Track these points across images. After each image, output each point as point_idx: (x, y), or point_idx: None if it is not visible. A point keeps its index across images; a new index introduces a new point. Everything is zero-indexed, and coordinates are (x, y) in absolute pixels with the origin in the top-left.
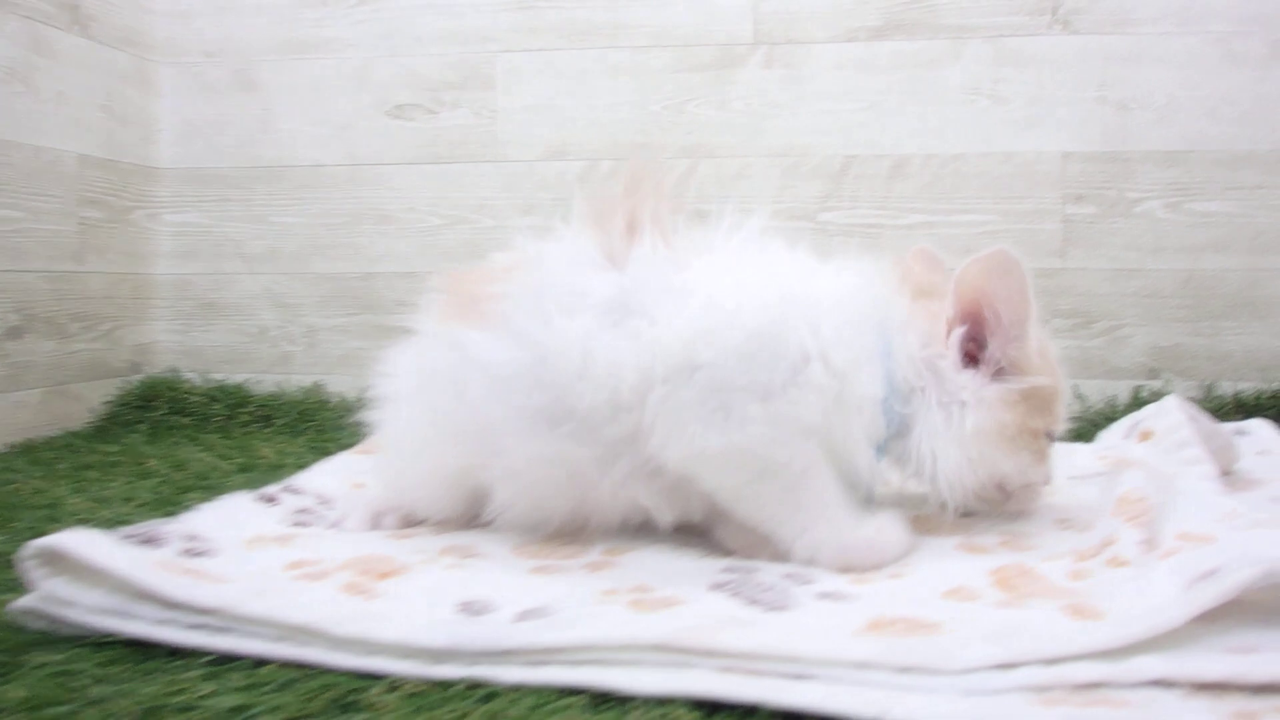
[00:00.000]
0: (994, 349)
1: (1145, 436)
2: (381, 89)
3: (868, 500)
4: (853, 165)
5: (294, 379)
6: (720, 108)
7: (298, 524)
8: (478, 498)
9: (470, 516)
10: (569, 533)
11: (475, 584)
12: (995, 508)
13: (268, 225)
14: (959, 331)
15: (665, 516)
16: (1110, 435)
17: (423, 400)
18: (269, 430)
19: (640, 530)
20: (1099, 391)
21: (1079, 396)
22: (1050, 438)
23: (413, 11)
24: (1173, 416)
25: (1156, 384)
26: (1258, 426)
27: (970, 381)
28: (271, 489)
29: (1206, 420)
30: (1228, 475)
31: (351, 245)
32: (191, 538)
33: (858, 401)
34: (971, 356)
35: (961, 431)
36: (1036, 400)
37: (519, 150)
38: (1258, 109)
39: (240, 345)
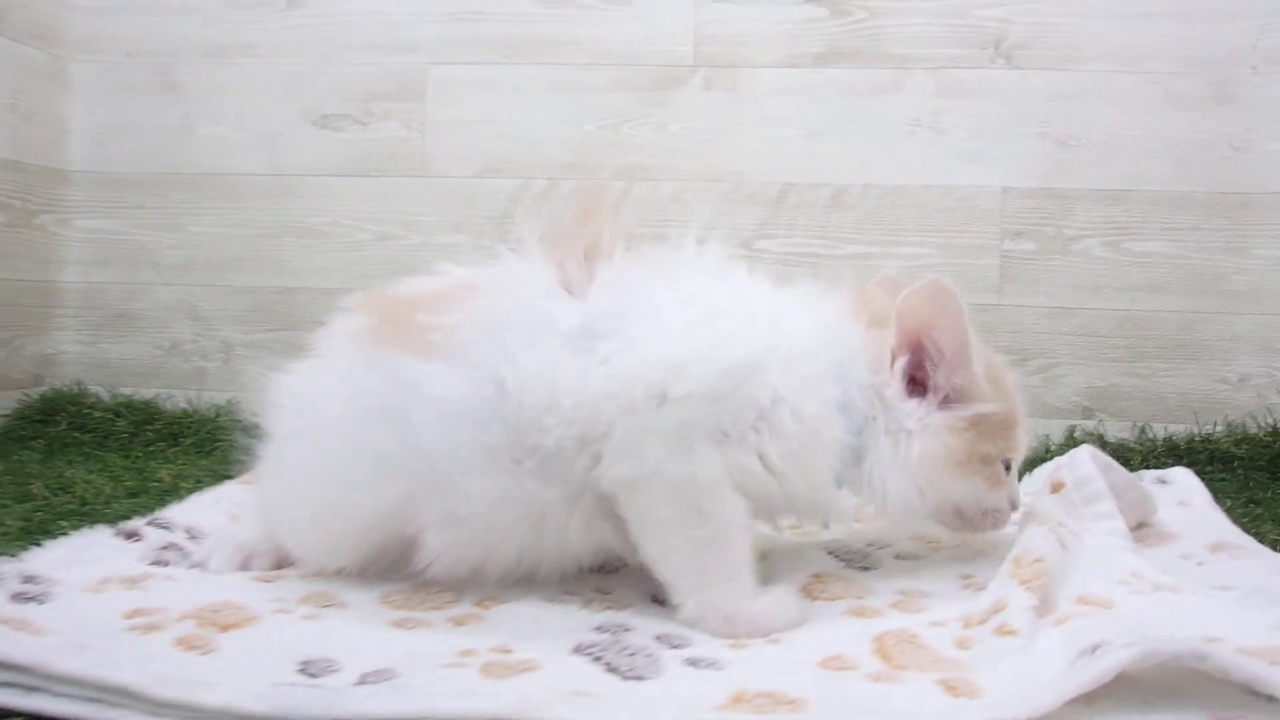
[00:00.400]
0: (938, 377)
1: (1056, 488)
2: (309, 97)
3: (824, 526)
4: (791, 193)
5: (206, 396)
6: (658, 129)
7: (157, 563)
8: (393, 545)
9: (374, 564)
10: (509, 581)
11: (326, 639)
12: (967, 532)
13: (184, 234)
14: (901, 361)
15: (634, 556)
16: (1033, 481)
17: (346, 434)
18: (175, 450)
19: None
20: (1033, 430)
21: None
22: (1007, 464)
23: (345, 18)
24: (1084, 469)
25: (1090, 424)
26: (1180, 476)
27: (916, 409)
28: (135, 523)
29: (1121, 472)
30: (1144, 528)
31: (272, 258)
32: (28, 579)
33: (823, 444)
34: (920, 384)
35: (908, 459)
36: (986, 427)
37: (450, 165)
38: (1196, 150)
39: (151, 359)
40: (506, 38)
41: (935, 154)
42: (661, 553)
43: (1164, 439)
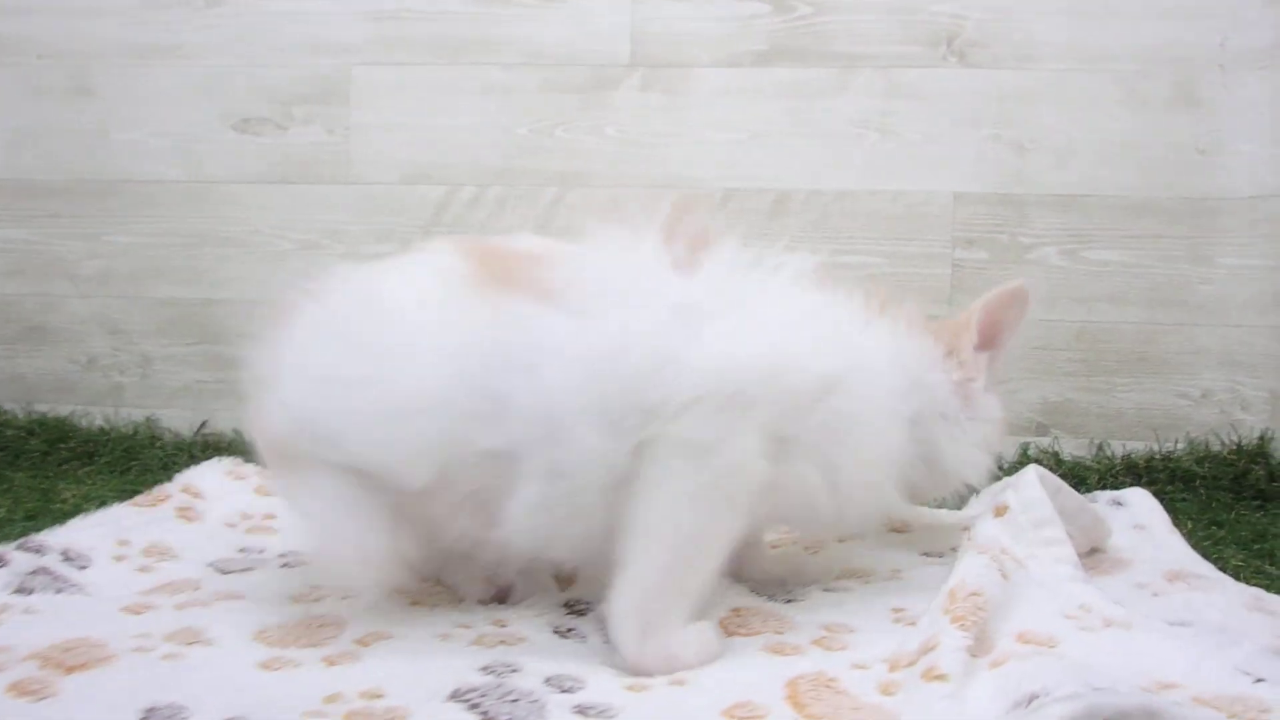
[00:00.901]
0: (996, 367)
1: (1000, 512)
2: (229, 100)
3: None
4: (732, 199)
5: (124, 413)
6: (593, 132)
7: (21, 590)
8: (469, 501)
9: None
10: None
11: (180, 682)
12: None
13: (101, 244)
14: (984, 356)
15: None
16: (979, 503)
17: (463, 368)
18: (87, 470)
19: (420, 609)
20: None
21: None
22: None
23: (266, 18)
24: (1031, 491)
25: (1046, 441)
26: (1136, 497)
27: (994, 399)
28: (3, 547)
29: (1072, 495)
30: (1097, 553)
31: (192, 269)
32: None
33: (891, 460)
34: None
35: (987, 438)
36: None
37: (375, 172)
38: (1160, 154)
39: (67, 374)
40: (433, 38)
41: (884, 157)
42: (641, 546)
43: (1122, 457)
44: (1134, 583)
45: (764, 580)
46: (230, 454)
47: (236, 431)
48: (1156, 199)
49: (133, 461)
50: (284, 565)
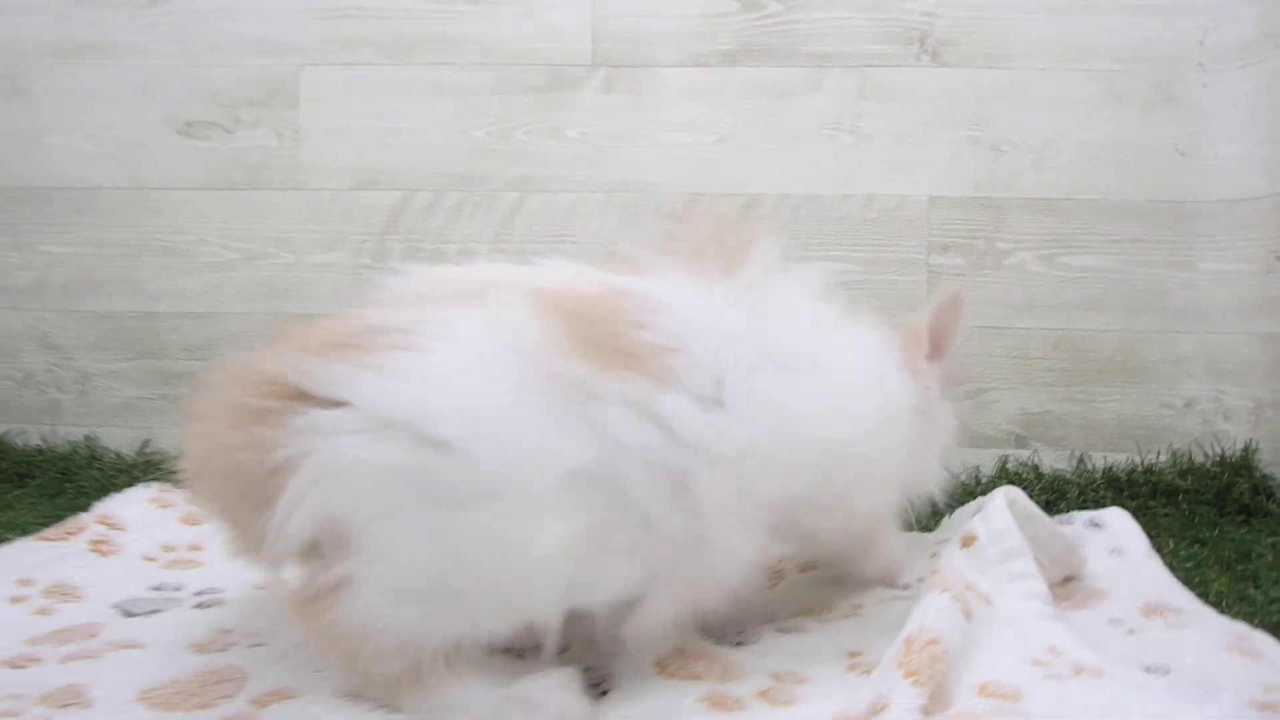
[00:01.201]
0: (947, 378)
1: (967, 542)
2: (171, 103)
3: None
4: (699, 204)
5: (62, 431)
6: (553, 135)
7: None
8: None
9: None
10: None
11: None
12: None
13: (34, 254)
14: (937, 367)
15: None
16: (953, 523)
17: (585, 498)
18: (19, 493)
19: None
20: (963, 461)
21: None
22: None
23: (209, 16)
24: (999, 520)
25: (1025, 453)
26: (1114, 518)
27: (947, 407)
28: None
29: (1044, 521)
30: (1072, 582)
31: (131, 280)
32: None
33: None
34: None
35: (941, 445)
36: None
37: (324, 177)
38: (1141, 156)
39: (1, 391)
40: (386, 36)
41: (856, 160)
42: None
43: (1103, 470)
44: (1109, 618)
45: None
46: (174, 471)
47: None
48: (1136, 202)
49: (67, 484)
50: (197, 605)
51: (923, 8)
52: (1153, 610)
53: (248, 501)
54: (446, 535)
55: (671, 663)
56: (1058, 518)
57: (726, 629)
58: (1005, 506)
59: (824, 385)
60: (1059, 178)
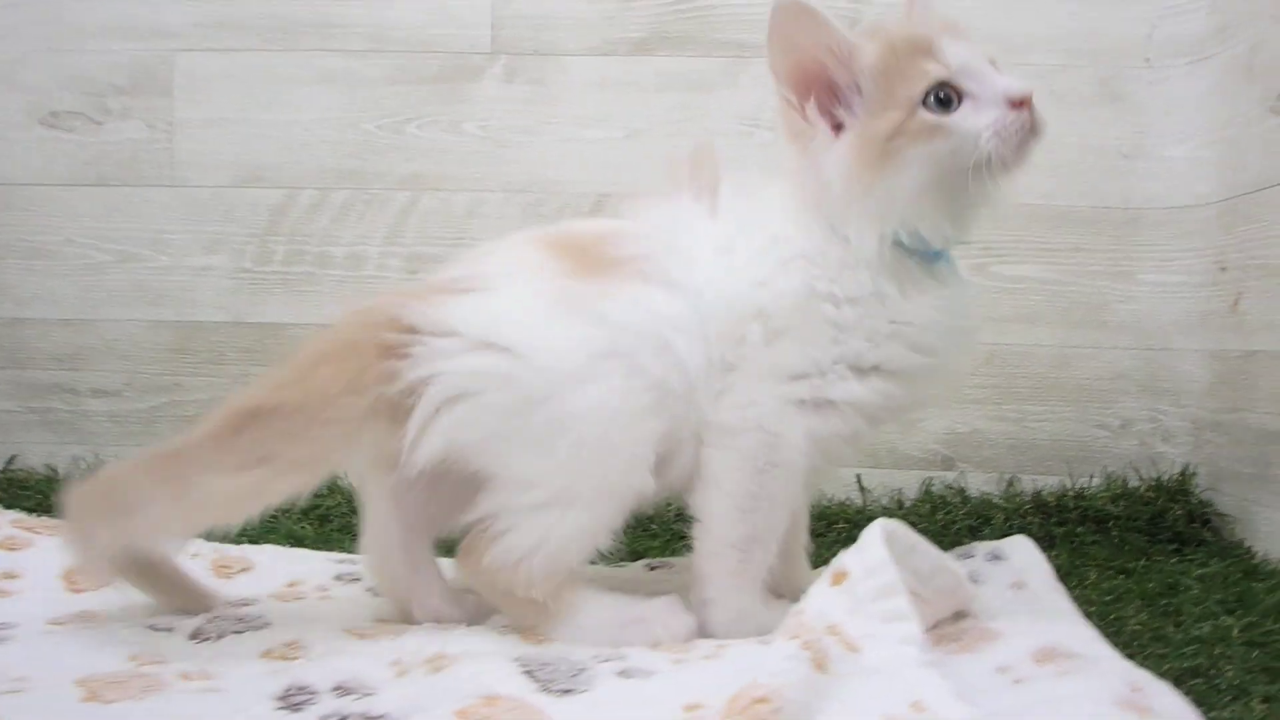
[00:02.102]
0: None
1: (839, 579)
2: (34, 91)
3: None
4: (606, 205)
5: None
6: (450, 129)
7: None
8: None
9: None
10: None
11: None
12: None
13: None
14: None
15: None
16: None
17: (616, 367)
18: None
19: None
20: (885, 483)
21: (862, 490)
22: (939, 97)
23: None
24: (874, 554)
25: (951, 475)
26: (1017, 548)
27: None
28: None
29: (927, 554)
30: (964, 619)
31: None
32: None
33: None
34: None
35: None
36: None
37: (202, 174)
38: (1081, 158)
39: None
40: (267, 20)
41: (776, 159)
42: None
43: (1032, 495)
44: (997, 664)
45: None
46: (41, 491)
47: (50, 468)
48: (1075, 208)
49: None
50: None
51: None
52: (1045, 656)
53: (382, 421)
54: (543, 432)
55: (478, 709)
56: (957, 550)
57: (560, 670)
58: (882, 540)
59: (741, 260)
60: None
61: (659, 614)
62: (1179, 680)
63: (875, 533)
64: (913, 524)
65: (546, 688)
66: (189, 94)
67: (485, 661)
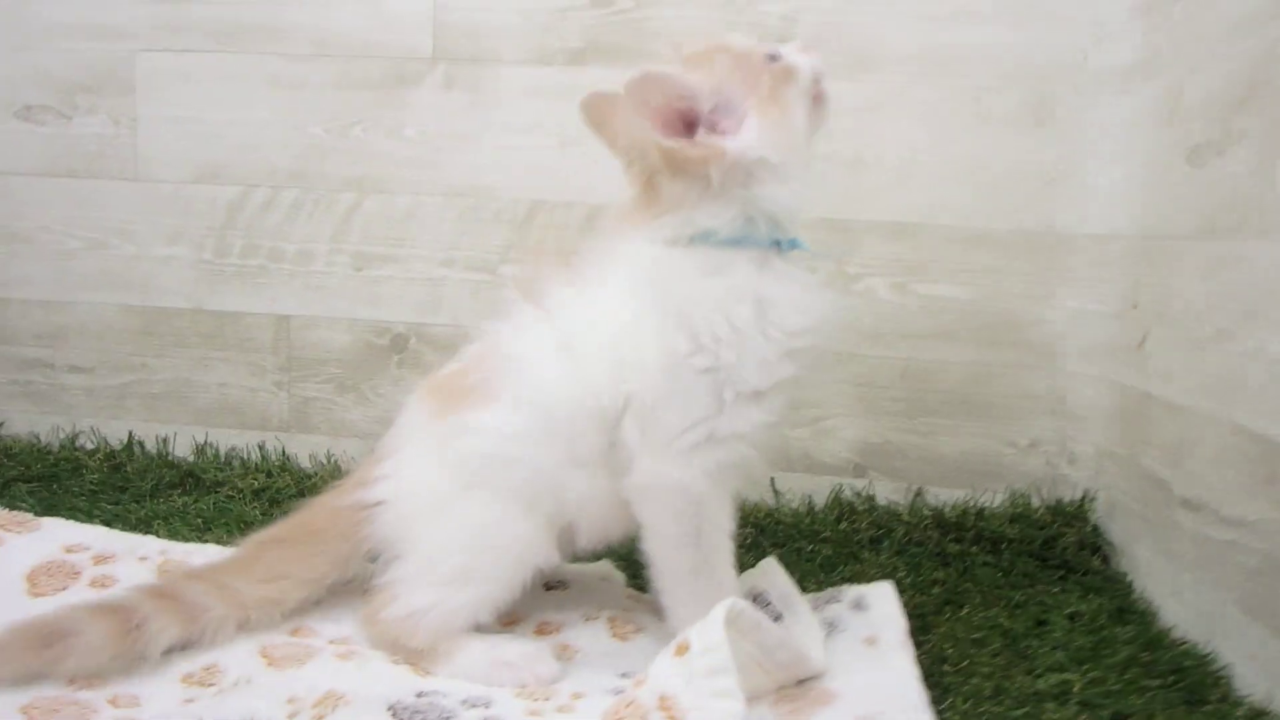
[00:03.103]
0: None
1: (681, 651)
2: (8, 87)
3: None
4: (540, 211)
5: None
6: (392, 134)
7: None
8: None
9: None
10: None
11: None
12: None
13: None
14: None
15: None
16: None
17: (489, 488)
18: None
19: None
20: (797, 487)
21: (775, 492)
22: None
23: None
24: (713, 635)
25: (861, 483)
26: (879, 599)
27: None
28: None
29: (772, 631)
30: (807, 683)
31: None
32: None
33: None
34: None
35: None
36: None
37: (164, 169)
38: (1006, 180)
39: None
40: (218, 21)
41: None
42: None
43: (933, 510)
44: None
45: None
46: (26, 460)
47: (34, 435)
48: (996, 230)
49: None
50: None
51: (781, 10)
52: None
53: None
54: (440, 535)
55: None
56: (828, 592)
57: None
58: (723, 621)
59: (586, 356)
60: (917, 199)
61: (527, 660)
62: None
63: (719, 613)
64: (817, 532)
65: None
66: (149, 92)
67: (362, 712)
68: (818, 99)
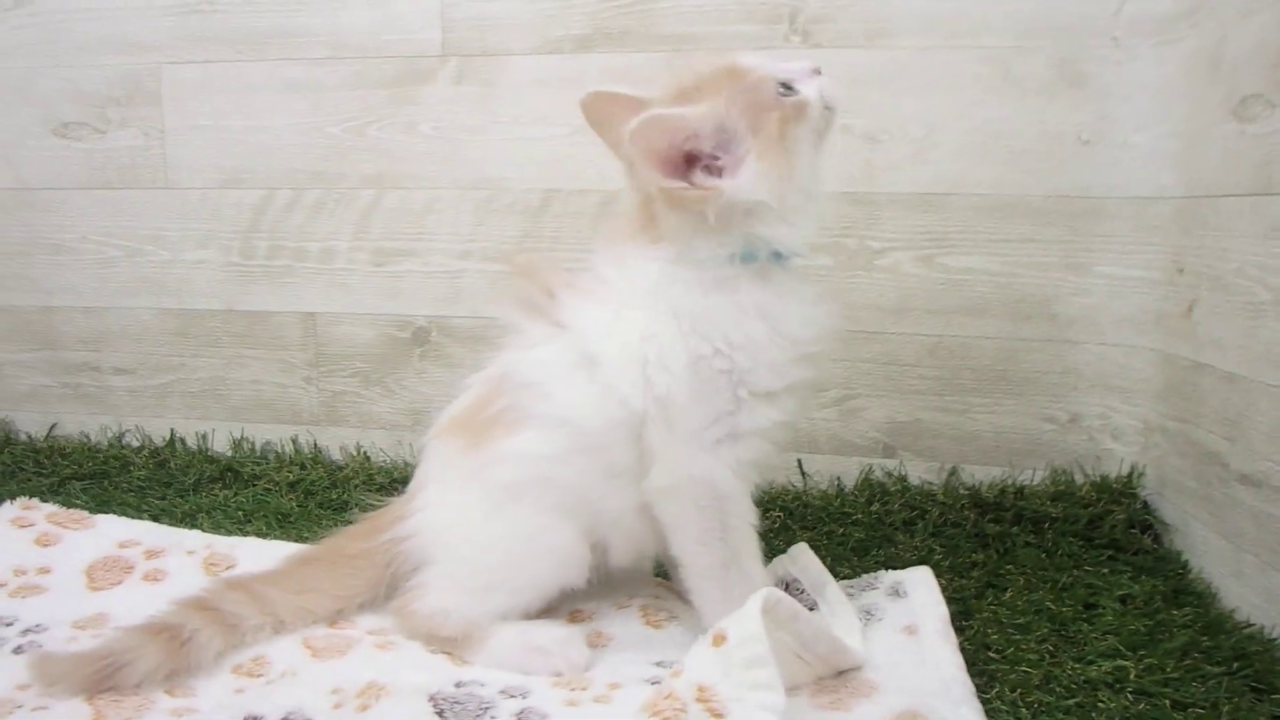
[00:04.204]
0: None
1: (718, 642)
2: (46, 104)
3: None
4: (554, 201)
5: None
6: (407, 130)
7: None
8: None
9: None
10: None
11: None
12: None
13: None
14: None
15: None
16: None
17: (525, 504)
18: None
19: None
20: (825, 469)
21: (803, 474)
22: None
23: (72, 15)
24: (750, 625)
25: (892, 463)
26: (917, 584)
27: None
28: None
29: (810, 621)
30: (846, 673)
31: (27, 277)
32: None
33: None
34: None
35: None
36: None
37: (191, 176)
38: (1036, 145)
39: None
40: (236, 31)
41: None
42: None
43: (969, 489)
44: None
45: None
46: (78, 458)
47: (84, 434)
48: (1028, 197)
49: None
50: (16, 650)
51: None
52: (905, 717)
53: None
54: (477, 549)
55: None
56: (864, 578)
57: (464, 710)
58: (758, 612)
59: (604, 368)
60: (941, 170)
61: (559, 645)
62: None
63: (756, 603)
64: (848, 514)
65: None
66: (176, 103)
67: (404, 702)
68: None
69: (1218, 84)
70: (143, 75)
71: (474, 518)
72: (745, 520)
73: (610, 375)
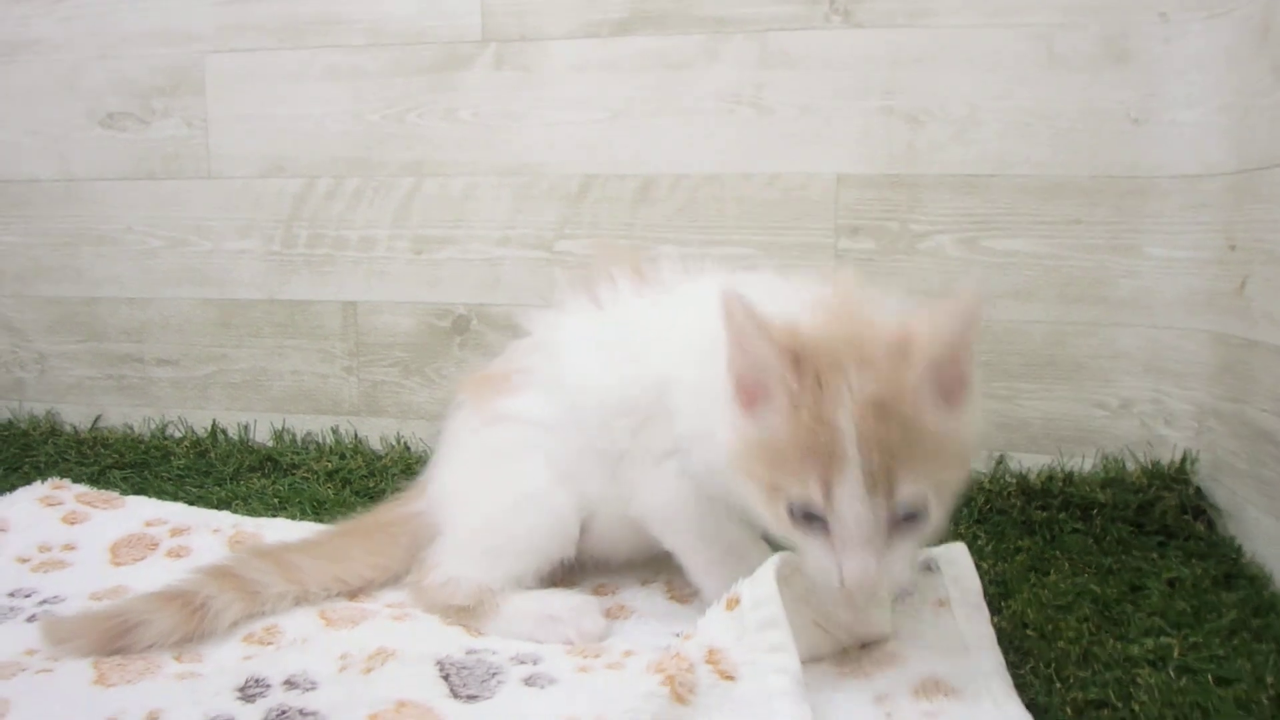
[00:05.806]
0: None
1: (731, 605)
2: (92, 95)
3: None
4: (593, 186)
5: (28, 406)
6: (446, 117)
7: None
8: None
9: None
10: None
11: None
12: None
13: None
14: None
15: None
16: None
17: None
18: None
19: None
20: None
21: None
22: (802, 513)
23: (116, 6)
24: (764, 587)
25: None
26: (950, 560)
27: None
28: None
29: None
30: (867, 647)
31: (73, 268)
32: None
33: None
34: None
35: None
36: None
37: (233, 165)
38: (1082, 124)
39: None
40: (277, 19)
41: (757, 136)
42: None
43: (1017, 477)
44: (876, 694)
45: None
46: (120, 449)
47: (128, 426)
48: (1075, 177)
49: (28, 458)
50: (30, 618)
51: None
52: (929, 688)
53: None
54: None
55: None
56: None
57: (469, 677)
58: (771, 575)
59: (622, 349)
60: (985, 151)
61: (573, 614)
62: (1081, 713)
63: (768, 568)
64: None
65: (455, 692)
66: (219, 93)
67: (410, 665)
68: None
69: (1266, 52)
70: (186, 65)
71: (474, 475)
72: (731, 519)
73: (626, 360)
